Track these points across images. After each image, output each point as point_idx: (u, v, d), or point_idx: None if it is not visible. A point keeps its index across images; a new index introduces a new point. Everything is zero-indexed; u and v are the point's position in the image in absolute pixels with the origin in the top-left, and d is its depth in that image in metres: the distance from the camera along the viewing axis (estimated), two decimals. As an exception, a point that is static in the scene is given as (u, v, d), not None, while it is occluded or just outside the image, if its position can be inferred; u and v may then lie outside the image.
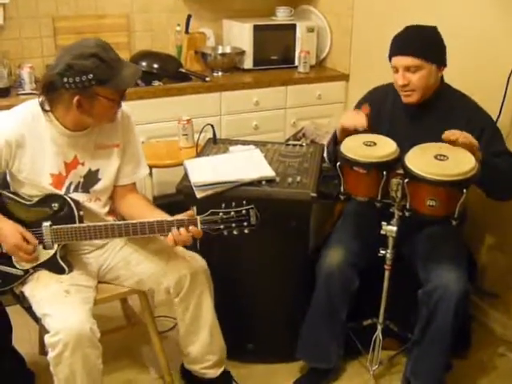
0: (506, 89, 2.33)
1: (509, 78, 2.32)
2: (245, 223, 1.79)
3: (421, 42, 2.01)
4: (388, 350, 2.35)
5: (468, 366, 2.40)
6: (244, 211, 1.79)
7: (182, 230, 1.79)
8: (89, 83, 1.70)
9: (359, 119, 2.03)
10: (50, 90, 1.76)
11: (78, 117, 1.79)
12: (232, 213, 1.78)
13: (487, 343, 2.54)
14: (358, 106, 2.27)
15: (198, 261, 2.02)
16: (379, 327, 2.19)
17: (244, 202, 1.80)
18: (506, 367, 2.43)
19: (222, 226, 1.79)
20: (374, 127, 2.07)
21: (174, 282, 1.94)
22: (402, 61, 2.00)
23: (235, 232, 1.80)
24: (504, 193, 2.08)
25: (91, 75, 1.69)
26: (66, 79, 1.70)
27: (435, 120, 2.10)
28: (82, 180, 1.92)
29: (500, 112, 2.34)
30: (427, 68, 2.00)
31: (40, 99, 1.81)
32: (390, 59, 2.07)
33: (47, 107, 1.81)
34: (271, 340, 2.33)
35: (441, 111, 2.10)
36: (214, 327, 2.05)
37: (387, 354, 2.36)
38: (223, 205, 1.80)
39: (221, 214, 1.78)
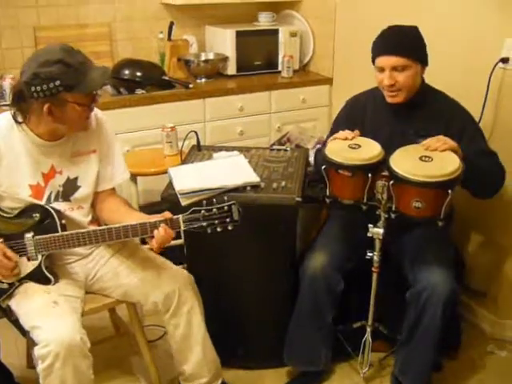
0: (487, 90, 2.35)
1: (489, 78, 2.34)
2: (227, 219, 1.78)
3: (407, 42, 2.01)
4: (378, 352, 2.35)
5: (458, 364, 2.41)
6: (226, 207, 1.78)
7: (161, 230, 1.78)
8: (56, 90, 1.68)
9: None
10: (20, 99, 1.74)
11: (52, 125, 1.78)
12: (214, 209, 1.78)
13: (476, 342, 2.56)
14: (339, 122, 2.27)
15: (185, 276, 2.00)
16: (368, 329, 2.19)
17: (225, 198, 1.79)
18: (495, 365, 2.44)
19: (204, 224, 1.78)
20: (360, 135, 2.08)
21: (163, 298, 1.93)
22: (390, 60, 2.00)
23: (219, 229, 1.79)
24: (485, 190, 2.09)
25: (58, 81, 1.67)
26: (33, 88, 1.68)
27: (419, 120, 2.10)
28: (61, 189, 1.90)
29: (482, 112, 2.36)
30: (414, 67, 2.01)
31: (12, 111, 1.79)
32: (373, 60, 2.06)
33: (20, 119, 1.78)
34: (261, 345, 2.33)
35: (424, 111, 2.11)
36: (206, 342, 2.04)
37: (377, 356, 2.37)
38: (204, 202, 1.80)
39: (202, 211, 1.78)
